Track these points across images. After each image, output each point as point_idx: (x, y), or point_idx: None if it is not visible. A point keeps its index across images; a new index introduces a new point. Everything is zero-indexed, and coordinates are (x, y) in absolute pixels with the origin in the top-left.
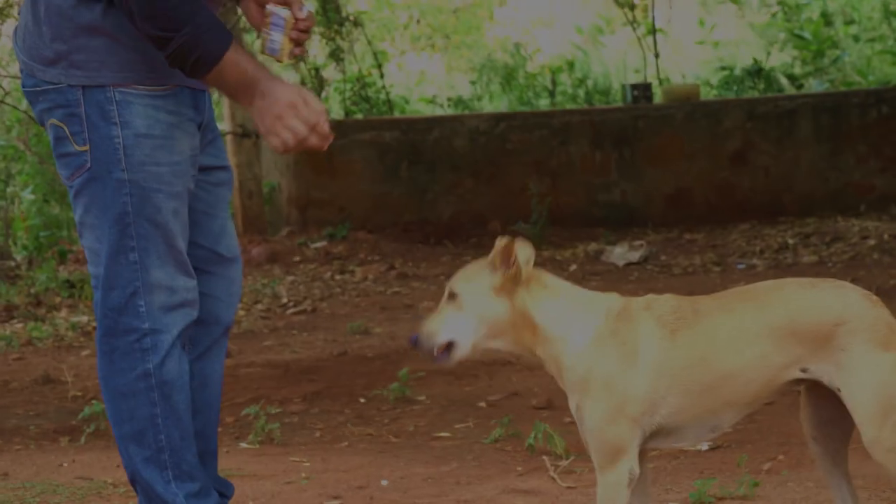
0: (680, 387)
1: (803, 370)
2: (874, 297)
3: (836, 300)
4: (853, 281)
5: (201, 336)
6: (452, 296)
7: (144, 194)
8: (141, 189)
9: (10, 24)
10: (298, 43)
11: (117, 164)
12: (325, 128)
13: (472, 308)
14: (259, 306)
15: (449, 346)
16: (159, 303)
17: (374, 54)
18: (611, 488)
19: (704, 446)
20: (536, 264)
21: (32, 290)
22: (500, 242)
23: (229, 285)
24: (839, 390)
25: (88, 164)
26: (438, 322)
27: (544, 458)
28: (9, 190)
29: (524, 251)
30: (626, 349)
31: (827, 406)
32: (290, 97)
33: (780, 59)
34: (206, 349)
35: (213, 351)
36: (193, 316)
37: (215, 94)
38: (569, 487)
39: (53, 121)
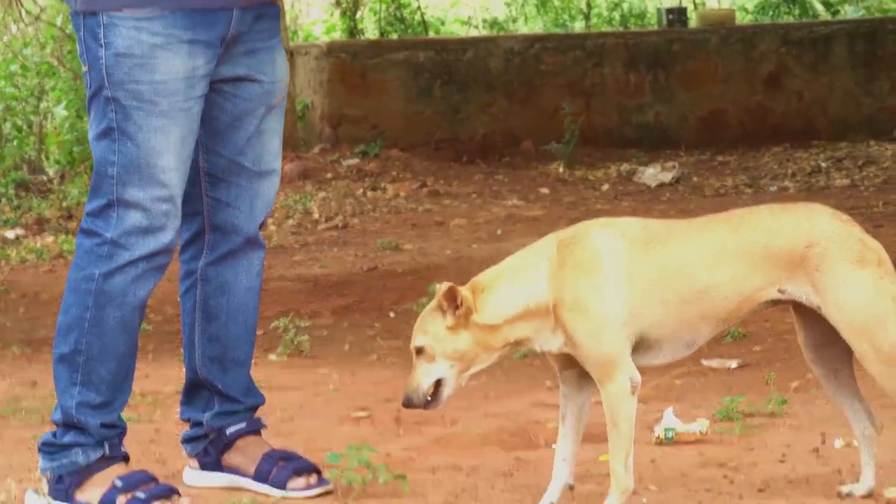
0: (658, 297)
1: (781, 291)
2: (844, 217)
3: (806, 222)
4: (884, 205)
5: (218, 242)
6: (419, 351)
7: (126, 112)
8: (122, 107)
9: None
10: None
11: (104, 83)
12: None
13: (439, 353)
14: (290, 222)
15: (436, 387)
16: (132, 221)
17: None
18: (615, 399)
19: (733, 364)
20: (568, 183)
21: (64, 204)
22: (441, 288)
23: (253, 198)
24: (820, 308)
25: (89, 84)
26: (419, 377)
27: None
28: (42, 105)
29: (462, 290)
30: (585, 267)
31: (818, 328)
32: None
33: None
34: (222, 256)
35: (233, 259)
36: (165, 241)
37: None
38: (597, 402)
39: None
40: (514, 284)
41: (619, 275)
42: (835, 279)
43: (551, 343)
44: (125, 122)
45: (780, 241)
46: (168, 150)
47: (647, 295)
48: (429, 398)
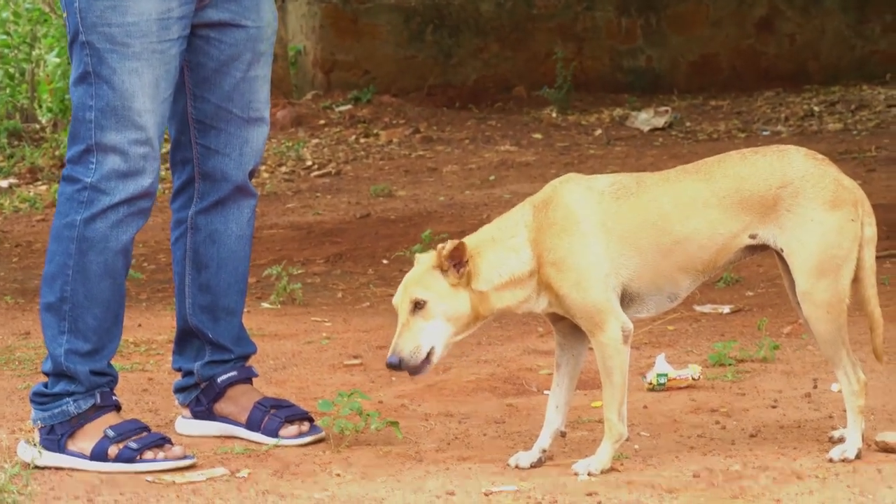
0: (633, 248)
1: (752, 236)
2: (819, 156)
3: (779, 164)
4: (877, 149)
5: (208, 190)
6: (419, 305)
7: (100, 55)
8: (96, 50)
9: None
10: None
11: (79, 27)
12: None
13: (440, 312)
14: (283, 169)
15: (427, 355)
16: (111, 165)
17: None
18: (607, 349)
19: (726, 309)
20: (560, 129)
21: (57, 153)
22: (449, 245)
23: (242, 145)
24: (782, 250)
25: (69, 30)
26: (415, 336)
27: None
28: (34, 53)
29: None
30: (560, 226)
31: None
32: None
33: None
34: (212, 204)
35: (222, 208)
36: (145, 185)
37: None
38: (589, 349)
39: None
40: (500, 253)
41: (594, 228)
42: (803, 218)
43: (536, 306)
44: (100, 65)
45: (752, 185)
46: (143, 91)
47: (623, 246)
48: (422, 362)
